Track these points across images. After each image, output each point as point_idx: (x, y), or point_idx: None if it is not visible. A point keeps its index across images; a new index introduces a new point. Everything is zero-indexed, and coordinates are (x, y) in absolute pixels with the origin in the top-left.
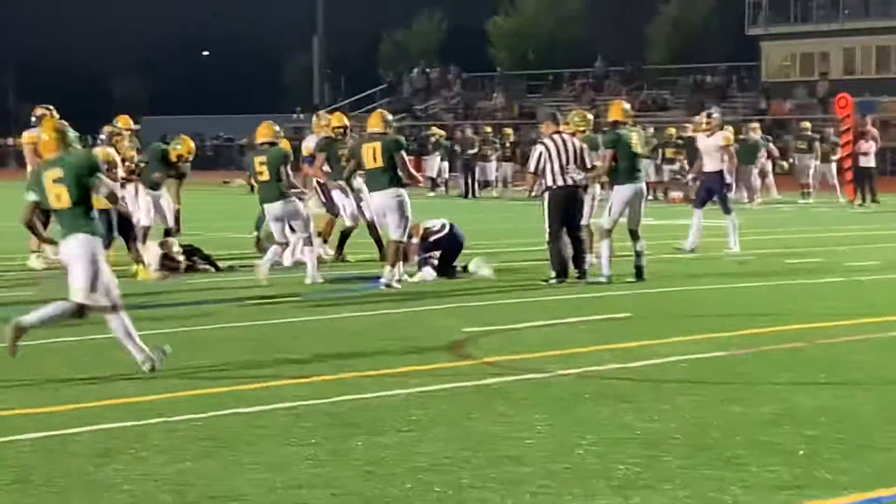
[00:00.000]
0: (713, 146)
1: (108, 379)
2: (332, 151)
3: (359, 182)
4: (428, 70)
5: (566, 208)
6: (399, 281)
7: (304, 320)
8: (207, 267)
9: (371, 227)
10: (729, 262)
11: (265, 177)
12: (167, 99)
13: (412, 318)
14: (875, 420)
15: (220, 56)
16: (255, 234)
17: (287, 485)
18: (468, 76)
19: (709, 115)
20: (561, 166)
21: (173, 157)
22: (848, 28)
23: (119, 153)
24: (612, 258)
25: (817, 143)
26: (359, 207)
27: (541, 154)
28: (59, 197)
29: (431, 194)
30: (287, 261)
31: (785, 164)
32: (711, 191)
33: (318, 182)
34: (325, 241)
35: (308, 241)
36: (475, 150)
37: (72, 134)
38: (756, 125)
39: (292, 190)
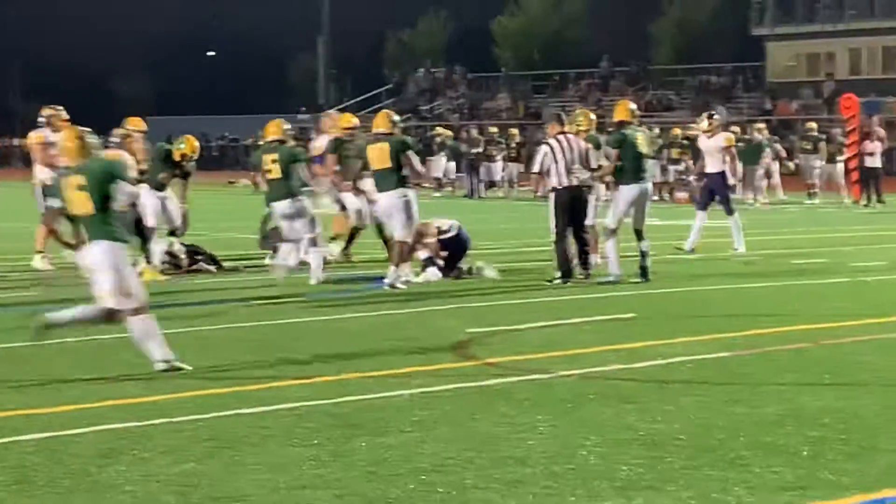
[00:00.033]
0: (714, 147)
1: (111, 379)
2: (342, 152)
3: (368, 184)
4: (433, 70)
5: (571, 208)
6: (406, 282)
7: (307, 321)
8: (210, 266)
9: (381, 227)
10: (734, 263)
11: (275, 174)
12: (172, 99)
13: (416, 318)
14: (879, 421)
15: (225, 56)
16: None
17: (290, 485)
18: (473, 76)
19: (710, 116)
20: (566, 167)
21: (177, 157)
22: (853, 28)
23: (131, 155)
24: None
25: (822, 144)
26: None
27: (545, 154)
28: (82, 203)
29: (437, 194)
30: (293, 261)
31: (791, 164)
32: (713, 192)
33: (332, 182)
34: (346, 243)
35: (313, 242)
36: (479, 150)
37: (94, 140)
38: (761, 125)
39: (305, 188)
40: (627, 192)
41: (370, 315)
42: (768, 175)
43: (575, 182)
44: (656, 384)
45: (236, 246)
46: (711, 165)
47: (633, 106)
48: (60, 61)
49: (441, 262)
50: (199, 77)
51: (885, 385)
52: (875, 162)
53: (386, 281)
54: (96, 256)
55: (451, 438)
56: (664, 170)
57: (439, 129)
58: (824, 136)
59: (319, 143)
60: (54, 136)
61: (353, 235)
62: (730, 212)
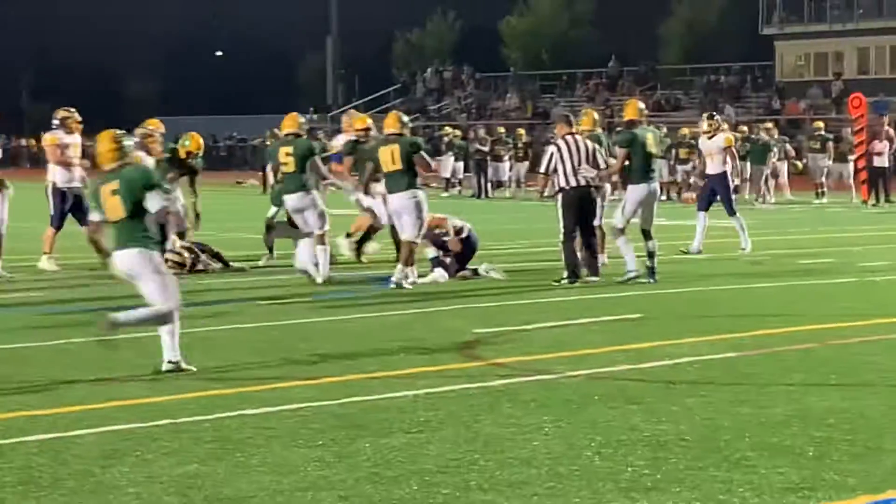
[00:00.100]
0: (715, 148)
1: (115, 380)
2: (356, 153)
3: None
4: (441, 70)
5: (580, 208)
6: (413, 283)
7: (313, 321)
8: (214, 265)
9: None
10: (741, 263)
11: (290, 168)
12: (180, 99)
13: (422, 319)
14: (885, 421)
15: (233, 56)
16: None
17: (294, 487)
18: (482, 76)
19: (710, 117)
20: (573, 167)
21: (182, 155)
22: (862, 28)
23: (152, 155)
24: (622, 259)
25: (830, 143)
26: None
27: (552, 155)
28: (114, 208)
29: (445, 194)
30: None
31: (799, 163)
32: (715, 193)
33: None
34: (359, 242)
35: (321, 239)
36: (486, 149)
37: (130, 142)
38: (769, 125)
39: (325, 182)
40: (636, 191)
41: (376, 316)
42: (775, 175)
43: (582, 182)
44: (663, 385)
45: (243, 246)
46: (712, 166)
47: (643, 105)
48: (68, 62)
49: (448, 261)
50: (207, 77)
51: (892, 385)
52: (883, 162)
53: (392, 279)
54: (134, 266)
55: (456, 439)
56: (672, 170)
57: (447, 129)
58: (831, 136)
59: (338, 142)
60: (69, 138)
61: (367, 235)
62: (731, 213)
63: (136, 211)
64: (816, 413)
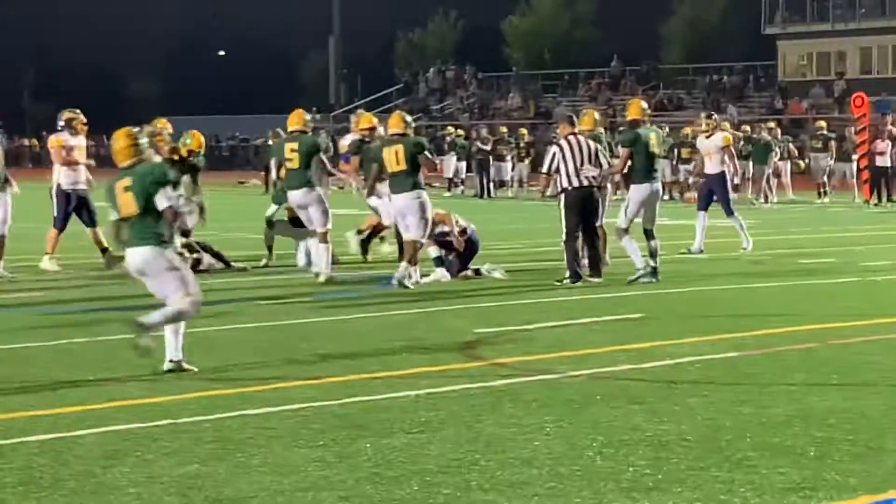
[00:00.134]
0: (713, 147)
1: (116, 380)
2: (362, 153)
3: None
4: (444, 70)
5: (582, 209)
6: (415, 282)
7: (314, 321)
8: (216, 264)
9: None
10: (742, 263)
11: (294, 164)
12: (182, 99)
13: (423, 318)
14: (886, 421)
15: (235, 56)
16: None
17: (295, 487)
18: (484, 76)
19: (708, 117)
20: (576, 167)
21: (183, 153)
22: (864, 27)
23: (160, 154)
24: (624, 259)
25: (832, 143)
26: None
27: (554, 155)
28: (127, 205)
29: (447, 194)
30: (301, 261)
31: (801, 163)
32: (713, 192)
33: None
34: (365, 241)
35: (324, 237)
36: (489, 149)
37: (144, 141)
38: (771, 125)
39: (331, 178)
40: (639, 191)
41: (377, 315)
42: (777, 174)
43: (585, 182)
44: (665, 385)
45: (245, 246)
46: (710, 166)
47: (645, 105)
48: (69, 62)
49: (451, 259)
50: (209, 77)
51: (893, 385)
52: (885, 161)
53: (395, 276)
54: (149, 264)
55: (458, 439)
56: (675, 169)
57: (450, 129)
58: (834, 135)
59: (346, 141)
60: (74, 140)
61: (373, 234)
62: (729, 212)
63: (148, 208)
64: (818, 413)
